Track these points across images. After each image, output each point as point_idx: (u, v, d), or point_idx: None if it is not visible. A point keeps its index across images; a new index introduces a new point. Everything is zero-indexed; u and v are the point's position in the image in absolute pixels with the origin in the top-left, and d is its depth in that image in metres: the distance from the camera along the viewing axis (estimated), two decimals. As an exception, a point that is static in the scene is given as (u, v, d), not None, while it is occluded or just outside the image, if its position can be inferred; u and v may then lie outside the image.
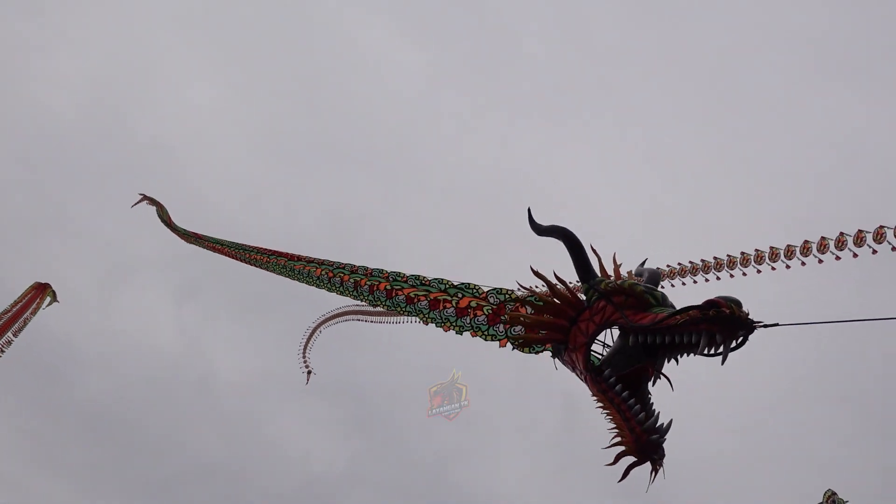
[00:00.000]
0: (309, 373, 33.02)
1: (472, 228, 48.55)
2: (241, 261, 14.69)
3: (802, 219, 38.65)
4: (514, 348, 6.94)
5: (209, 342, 50.18)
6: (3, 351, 22.57)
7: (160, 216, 24.35)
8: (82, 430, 44.06)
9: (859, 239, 16.04)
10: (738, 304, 5.24)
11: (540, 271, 6.65)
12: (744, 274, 18.53)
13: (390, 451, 44.87)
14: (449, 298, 7.44)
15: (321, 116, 53.67)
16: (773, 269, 18.01)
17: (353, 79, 53.91)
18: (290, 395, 47.29)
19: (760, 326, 5.27)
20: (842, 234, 16.46)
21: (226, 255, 16.15)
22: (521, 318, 6.69)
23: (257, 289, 39.33)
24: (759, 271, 18.16)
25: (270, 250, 13.03)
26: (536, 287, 6.97)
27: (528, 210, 7.37)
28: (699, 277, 19.56)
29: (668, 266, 20.34)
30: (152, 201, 25.64)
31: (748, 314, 5.26)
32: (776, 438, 36.64)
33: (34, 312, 25.57)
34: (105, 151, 49.85)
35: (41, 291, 26.71)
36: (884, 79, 41.44)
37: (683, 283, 20.15)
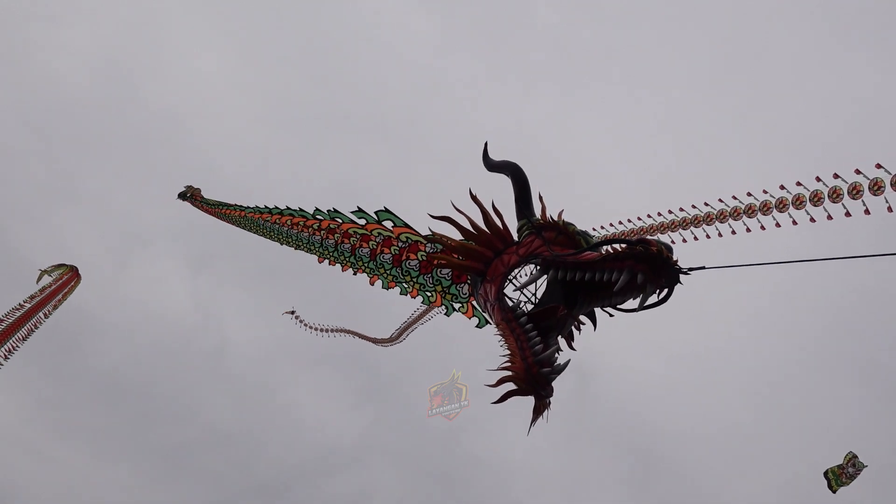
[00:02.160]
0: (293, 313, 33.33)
1: (483, 198, 48.32)
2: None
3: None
4: (442, 299, 6.82)
5: (223, 311, 50.66)
6: (34, 329, 22.92)
7: (191, 197, 24.31)
8: (99, 398, 44.87)
9: (877, 186, 13.70)
10: (668, 248, 4.94)
11: (479, 197, 6.33)
12: (737, 229, 16.25)
13: (403, 420, 45.26)
14: (388, 238, 7.33)
15: (330, 84, 53.38)
16: (778, 224, 15.45)
17: (362, 46, 53.41)
18: (303, 365, 47.84)
19: (686, 272, 4.94)
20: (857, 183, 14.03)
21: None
22: (449, 242, 6.44)
23: (271, 259, 39.47)
24: (762, 227, 15.66)
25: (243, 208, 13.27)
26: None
27: (485, 144, 7.18)
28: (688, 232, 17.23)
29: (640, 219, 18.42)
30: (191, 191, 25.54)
31: (677, 260, 4.93)
32: (791, 409, 36.70)
33: (60, 302, 25.97)
34: (117, 121, 49.89)
35: (73, 277, 27.21)
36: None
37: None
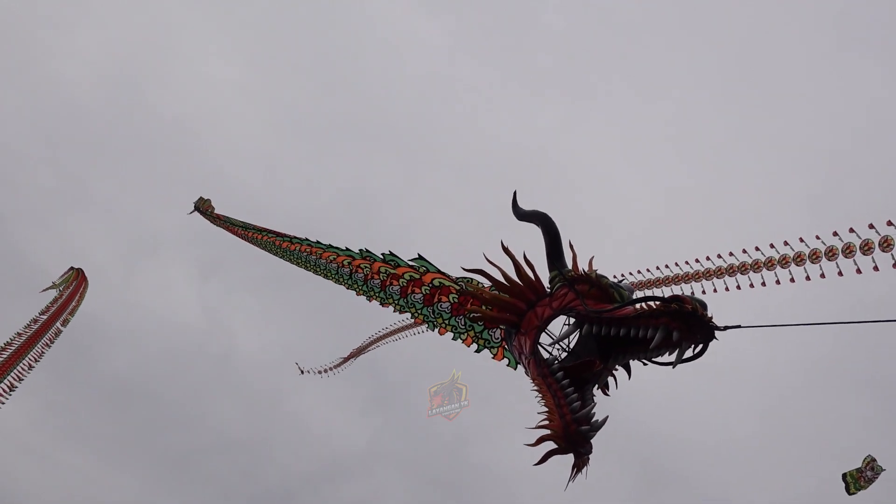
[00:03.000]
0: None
1: (490, 206, 48.38)
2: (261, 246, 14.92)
3: (823, 196, 38.26)
4: (473, 341, 6.86)
5: (231, 318, 50.83)
6: (52, 340, 23.01)
7: (202, 210, 24.48)
8: (107, 404, 44.98)
9: (887, 244, 14.26)
10: (703, 304, 4.97)
11: (510, 249, 6.44)
12: (757, 283, 16.87)
13: (410, 428, 45.26)
14: (420, 278, 7.43)
15: (339, 93, 53.61)
16: (792, 279, 16.03)
17: (370, 53, 53.65)
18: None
19: (722, 329, 4.97)
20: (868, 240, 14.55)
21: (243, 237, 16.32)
22: (484, 295, 6.48)
23: (279, 266, 39.61)
24: (777, 281, 16.37)
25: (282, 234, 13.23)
26: (480, 284, 6.84)
27: (514, 193, 7.20)
28: (699, 284, 17.91)
29: (659, 268, 18.99)
30: (203, 204, 25.70)
31: (711, 317, 4.95)
32: (796, 422, 36.52)
33: (79, 303, 26.14)
34: (127, 128, 50.24)
35: (82, 281, 27.35)
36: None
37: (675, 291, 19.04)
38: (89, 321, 40.11)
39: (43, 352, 21.85)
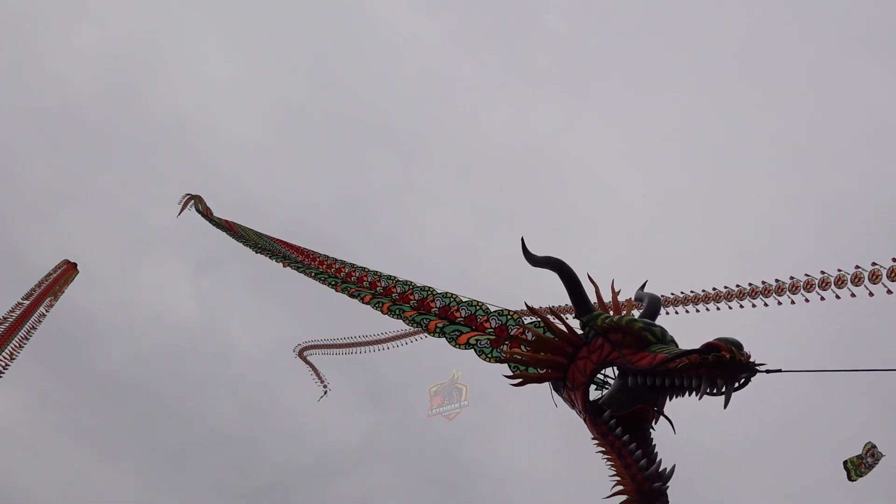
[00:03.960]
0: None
1: (489, 206, 48.49)
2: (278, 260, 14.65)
3: (825, 197, 38.37)
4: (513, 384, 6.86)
5: (226, 314, 50.85)
6: (36, 326, 22.92)
7: (199, 210, 24.34)
8: (103, 399, 45.03)
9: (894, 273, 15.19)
10: (738, 346, 5.05)
11: (535, 307, 6.49)
12: (756, 304, 17.83)
13: (405, 424, 45.30)
14: (460, 334, 7.35)
15: (338, 92, 53.63)
16: (793, 302, 17.21)
17: (370, 54, 53.64)
18: (305, 369, 47.91)
19: (763, 371, 5.11)
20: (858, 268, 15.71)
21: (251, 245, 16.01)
22: (519, 357, 6.50)
23: (274, 263, 39.61)
24: (778, 302, 17.42)
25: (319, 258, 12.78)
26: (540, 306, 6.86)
27: (522, 240, 7.16)
28: (711, 305, 18.73)
29: (672, 294, 19.62)
30: (192, 199, 25.51)
31: (749, 356, 5.06)
32: (794, 416, 36.63)
33: (59, 294, 26.03)
34: (125, 125, 50.22)
35: (68, 270, 27.25)
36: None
37: (687, 311, 19.35)
38: (85, 317, 40.22)
39: (28, 337, 21.63)
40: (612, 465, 5.68)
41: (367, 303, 8.91)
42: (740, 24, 46.09)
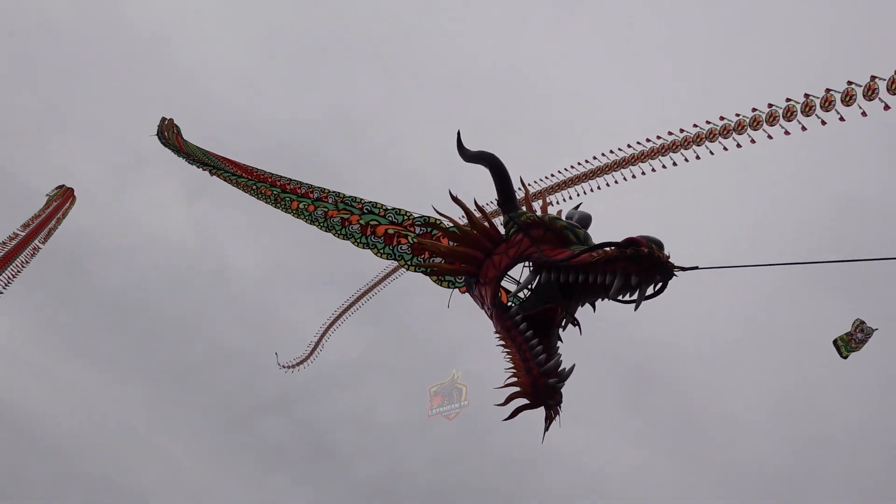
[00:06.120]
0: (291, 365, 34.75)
1: (478, 123, 47.93)
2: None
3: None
4: (432, 280, 6.74)
5: (222, 235, 50.97)
6: (34, 253, 23.00)
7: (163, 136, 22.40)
8: (105, 320, 45.75)
9: (871, 90, 13.46)
10: (659, 245, 4.88)
11: (459, 198, 6.31)
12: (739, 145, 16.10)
13: (403, 340, 46.44)
14: (378, 224, 7.30)
15: (323, 8, 51.92)
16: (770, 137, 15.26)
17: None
18: (303, 286, 48.60)
19: (679, 270, 4.93)
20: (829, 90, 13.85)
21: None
22: (439, 249, 6.39)
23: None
24: (752, 140, 15.63)
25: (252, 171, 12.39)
26: (461, 218, 6.59)
27: (458, 133, 6.94)
28: (691, 151, 17.00)
29: (640, 143, 18.16)
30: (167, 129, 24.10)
31: (669, 257, 4.90)
32: (783, 324, 37.51)
33: (59, 221, 26.01)
34: (104, 45, 48.85)
35: (68, 198, 27.18)
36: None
37: (663, 165, 17.95)
38: (80, 239, 40.34)
39: (20, 270, 21.78)
40: (510, 359, 5.53)
41: (295, 209, 8.66)
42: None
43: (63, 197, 27.10)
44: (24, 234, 22.68)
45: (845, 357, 15.25)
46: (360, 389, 46.98)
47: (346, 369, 46.06)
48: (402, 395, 44.49)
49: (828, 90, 14.21)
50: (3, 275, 21.01)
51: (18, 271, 21.92)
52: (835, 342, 15.33)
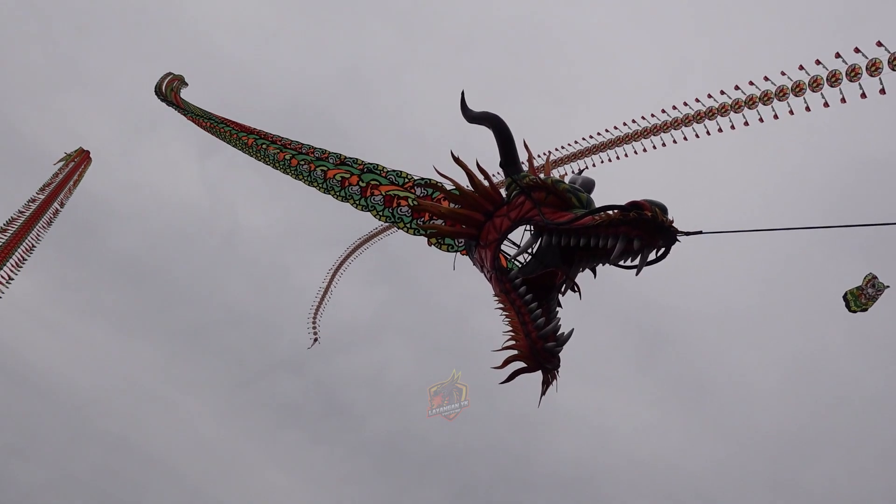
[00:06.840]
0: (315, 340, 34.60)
1: (494, 79, 47.28)
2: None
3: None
4: (429, 243, 6.58)
5: (234, 195, 51.01)
6: (55, 215, 23.11)
7: (161, 91, 21.98)
8: (119, 280, 46.16)
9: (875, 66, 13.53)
10: (663, 209, 4.75)
11: (461, 159, 6.13)
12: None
13: (414, 300, 46.62)
14: (378, 184, 7.16)
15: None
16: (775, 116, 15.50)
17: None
18: (314, 247, 48.69)
19: (682, 235, 4.79)
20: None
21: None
22: (439, 210, 6.23)
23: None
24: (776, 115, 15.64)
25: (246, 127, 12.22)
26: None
27: (462, 94, 6.79)
28: (701, 126, 16.97)
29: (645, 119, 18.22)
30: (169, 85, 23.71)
31: (672, 221, 4.76)
32: (795, 288, 37.31)
33: (76, 183, 26.06)
34: (114, 3, 48.35)
35: (84, 159, 27.21)
36: None
37: (667, 141, 17.98)
38: (94, 201, 40.46)
39: (41, 234, 21.92)
40: (508, 323, 5.42)
41: (294, 166, 8.53)
42: None
43: (80, 159, 27.18)
44: (43, 196, 22.72)
45: (854, 312, 14.94)
46: (373, 349, 47.42)
47: (359, 330, 46.44)
48: (415, 355, 44.87)
49: (854, 66, 14.03)
50: (27, 239, 21.11)
51: (41, 234, 22.05)
52: (844, 296, 14.97)
